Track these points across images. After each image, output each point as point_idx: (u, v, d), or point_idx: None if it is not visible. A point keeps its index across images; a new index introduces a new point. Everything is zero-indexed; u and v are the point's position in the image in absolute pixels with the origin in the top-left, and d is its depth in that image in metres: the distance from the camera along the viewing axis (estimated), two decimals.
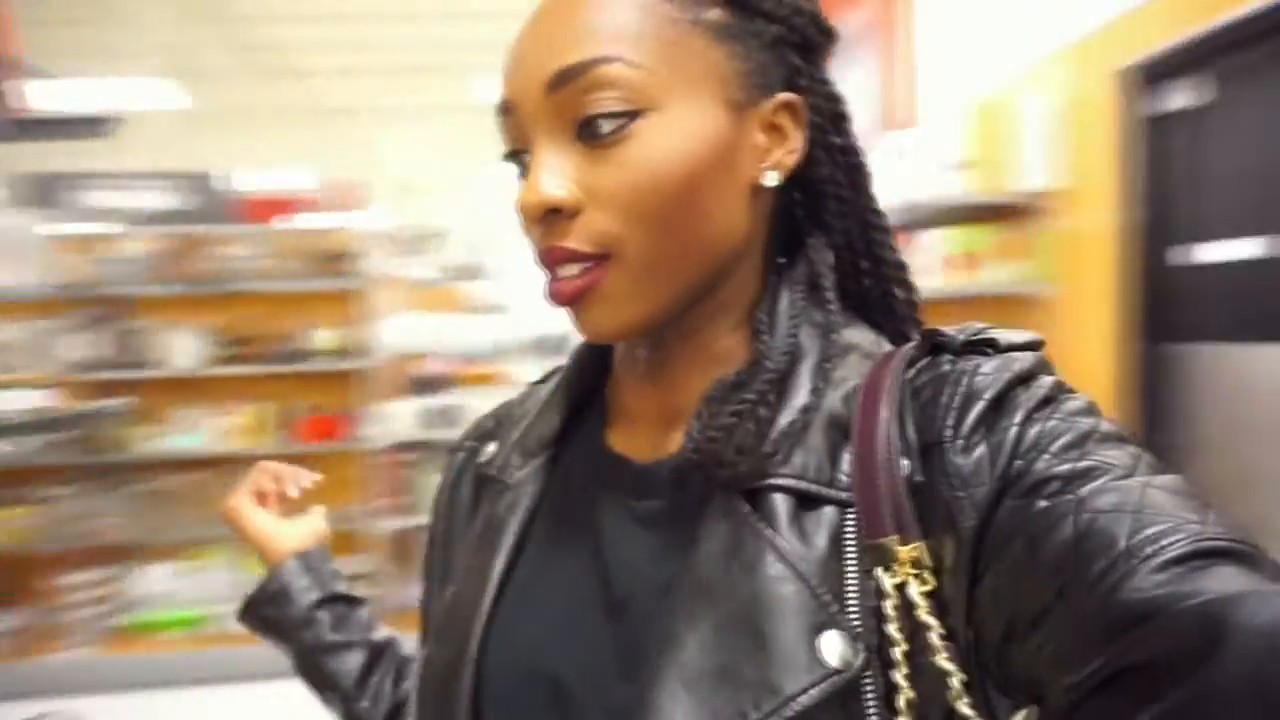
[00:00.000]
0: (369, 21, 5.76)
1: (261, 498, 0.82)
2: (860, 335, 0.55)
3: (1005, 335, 0.50)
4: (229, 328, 3.90)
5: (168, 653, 3.55)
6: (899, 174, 3.20)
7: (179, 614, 3.67)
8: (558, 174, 0.49)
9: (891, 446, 0.47)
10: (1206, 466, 2.36)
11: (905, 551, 0.45)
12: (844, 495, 0.47)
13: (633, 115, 0.48)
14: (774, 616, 0.45)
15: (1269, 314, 2.16)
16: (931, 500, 0.45)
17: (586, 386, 0.62)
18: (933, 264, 3.08)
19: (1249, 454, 2.22)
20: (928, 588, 0.44)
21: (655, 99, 0.48)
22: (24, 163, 4.20)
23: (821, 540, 0.47)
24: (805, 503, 0.48)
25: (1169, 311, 2.49)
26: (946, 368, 0.49)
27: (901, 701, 0.43)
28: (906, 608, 0.44)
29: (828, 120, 0.55)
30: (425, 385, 4.22)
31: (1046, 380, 0.48)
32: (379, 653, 0.77)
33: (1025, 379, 0.47)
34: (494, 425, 0.67)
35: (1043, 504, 0.42)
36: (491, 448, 0.63)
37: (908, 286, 0.60)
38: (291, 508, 0.84)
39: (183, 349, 3.79)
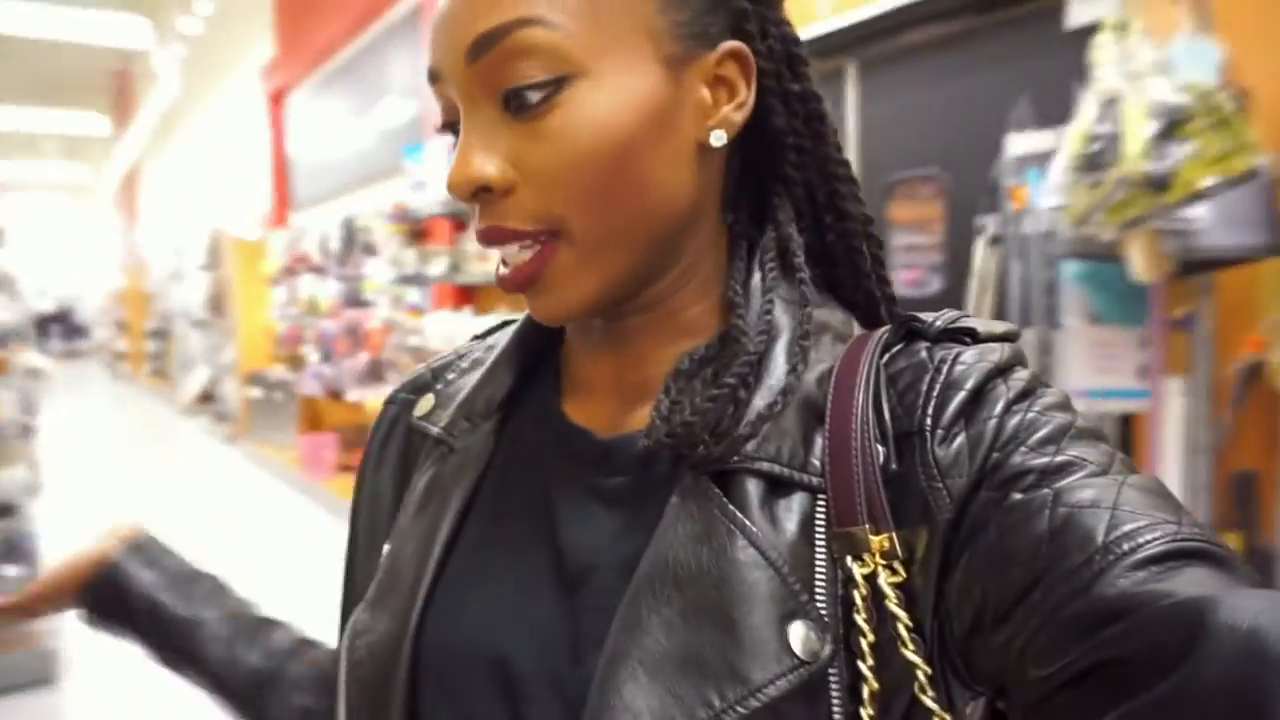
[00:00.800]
0: None
1: None
2: (831, 315, 0.53)
3: (983, 325, 0.49)
4: None
5: None
6: None
7: None
8: (486, 150, 0.46)
9: (867, 433, 0.45)
10: None
11: (876, 541, 0.43)
12: (816, 481, 0.46)
13: (559, 83, 0.44)
14: (743, 603, 0.43)
15: None
16: (906, 490, 0.44)
17: (539, 348, 0.59)
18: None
19: None
20: (897, 579, 0.43)
21: (581, 63, 0.44)
22: None
23: (791, 526, 0.45)
24: (776, 487, 0.46)
25: None
26: (923, 355, 0.48)
27: (866, 693, 0.42)
28: (875, 598, 0.43)
29: (783, 65, 0.51)
30: None
31: (1024, 373, 0.47)
32: (232, 622, 0.74)
33: (1004, 370, 0.46)
34: (430, 378, 0.63)
35: (1017, 496, 0.41)
36: (429, 400, 0.60)
37: (874, 241, 0.56)
38: None
39: None
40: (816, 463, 0.46)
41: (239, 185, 9.27)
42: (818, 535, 0.45)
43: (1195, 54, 1.45)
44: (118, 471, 7.48)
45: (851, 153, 2.67)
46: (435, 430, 0.58)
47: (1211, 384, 1.82)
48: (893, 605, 0.42)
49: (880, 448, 0.45)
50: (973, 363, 0.46)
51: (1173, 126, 1.34)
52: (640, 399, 0.52)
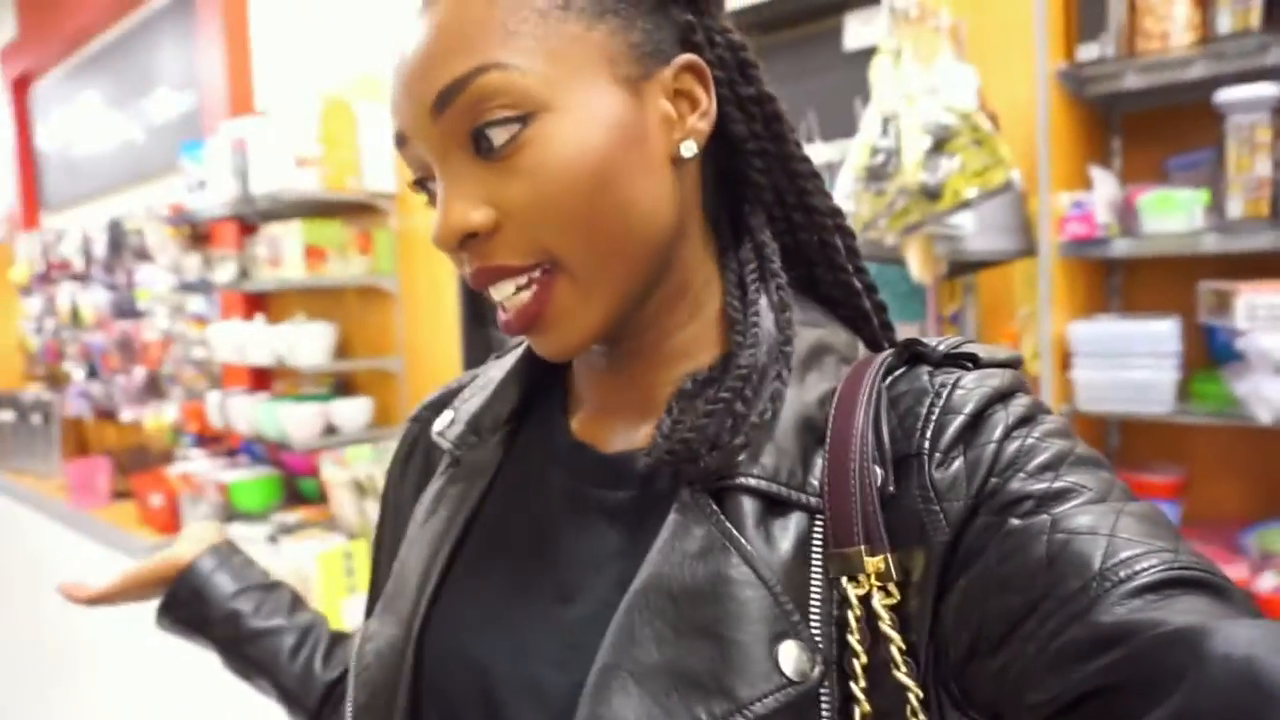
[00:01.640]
0: None
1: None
2: (835, 335, 0.53)
3: (985, 350, 0.49)
4: None
5: None
6: (248, 163, 3.50)
7: None
8: (466, 197, 0.47)
9: (866, 455, 0.45)
10: None
11: (872, 563, 0.43)
12: (813, 501, 0.46)
13: (524, 120, 0.45)
14: (735, 621, 0.43)
15: None
16: (903, 512, 0.45)
17: (547, 365, 0.60)
18: (291, 256, 3.50)
19: None
20: (892, 601, 0.43)
21: (543, 98, 0.45)
22: None
23: (787, 545, 0.45)
24: (773, 506, 0.46)
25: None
26: (925, 379, 0.48)
27: (857, 714, 0.42)
28: (869, 620, 0.43)
29: (735, 71, 0.53)
30: None
31: (1024, 399, 0.47)
32: (305, 632, 0.76)
33: (1004, 396, 0.46)
34: (449, 396, 0.65)
35: (1016, 522, 0.41)
36: (447, 416, 0.62)
37: (845, 233, 0.57)
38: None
39: None
40: (815, 483, 0.47)
41: None
42: (814, 555, 0.45)
43: (956, 79, 1.62)
44: None
45: None
46: (446, 445, 0.59)
47: None
48: (886, 627, 0.43)
49: (878, 469, 0.45)
50: (973, 388, 0.46)
51: (941, 143, 1.49)
52: (643, 418, 0.53)
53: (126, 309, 5.50)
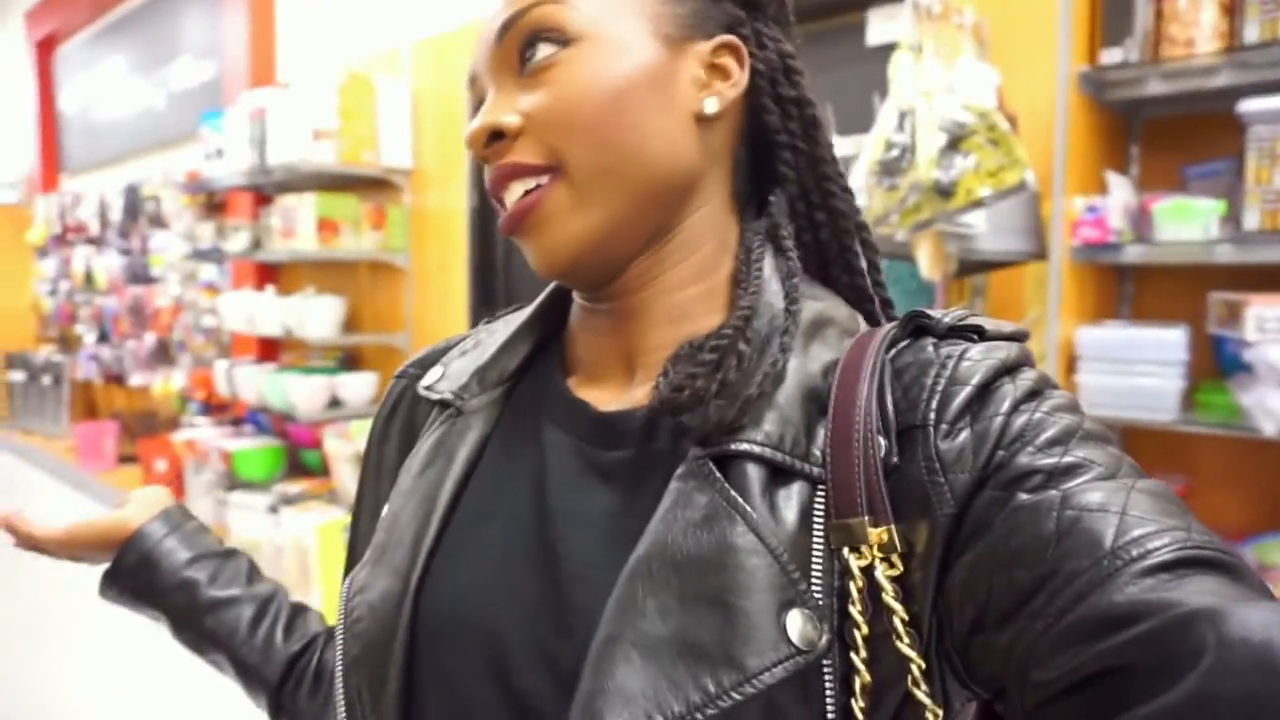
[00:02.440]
0: None
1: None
2: (836, 309, 0.53)
3: (991, 323, 0.49)
4: None
5: None
6: (266, 133, 3.50)
7: None
8: (502, 105, 0.51)
9: (870, 425, 0.45)
10: None
11: (875, 534, 0.43)
12: (817, 471, 0.46)
13: (564, 44, 0.50)
14: (741, 590, 0.42)
15: None
16: (907, 483, 0.44)
17: (554, 327, 0.61)
18: (305, 228, 3.50)
19: None
20: (895, 572, 0.43)
21: (585, 31, 0.50)
22: None
23: (791, 515, 0.45)
24: (777, 475, 0.46)
25: (504, 283, 3.33)
26: (930, 350, 0.47)
27: (858, 685, 0.42)
28: (872, 591, 0.43)
29: (779, 73, 0.55)
30: None
31: (1032, 373, 0.46)
32: (265, 602, 0.72)
33: (1012, 369, 0.46)
34: (439, 354, 0.65)
35: (1024, 497, 0.41)
36: (436, 372, 0.62)
37: (869, 246, 0.58)
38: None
39: None
40: (818, 453, 0.46)
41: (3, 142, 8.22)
42: (816, 526, 0.44)
43: (976, 77, 1.61)
44: None
45: None
46: (445, 394, 0.59)
47: None
48: (889, 598, 0.42)
49: (882, 440, 0.45)
50: (979, 359, 0.46)
51: (957, 140, 1.48)
52: (640, 380, 0.54)
53: (140, 274, 5.54)
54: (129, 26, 6.03)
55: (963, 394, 0.45)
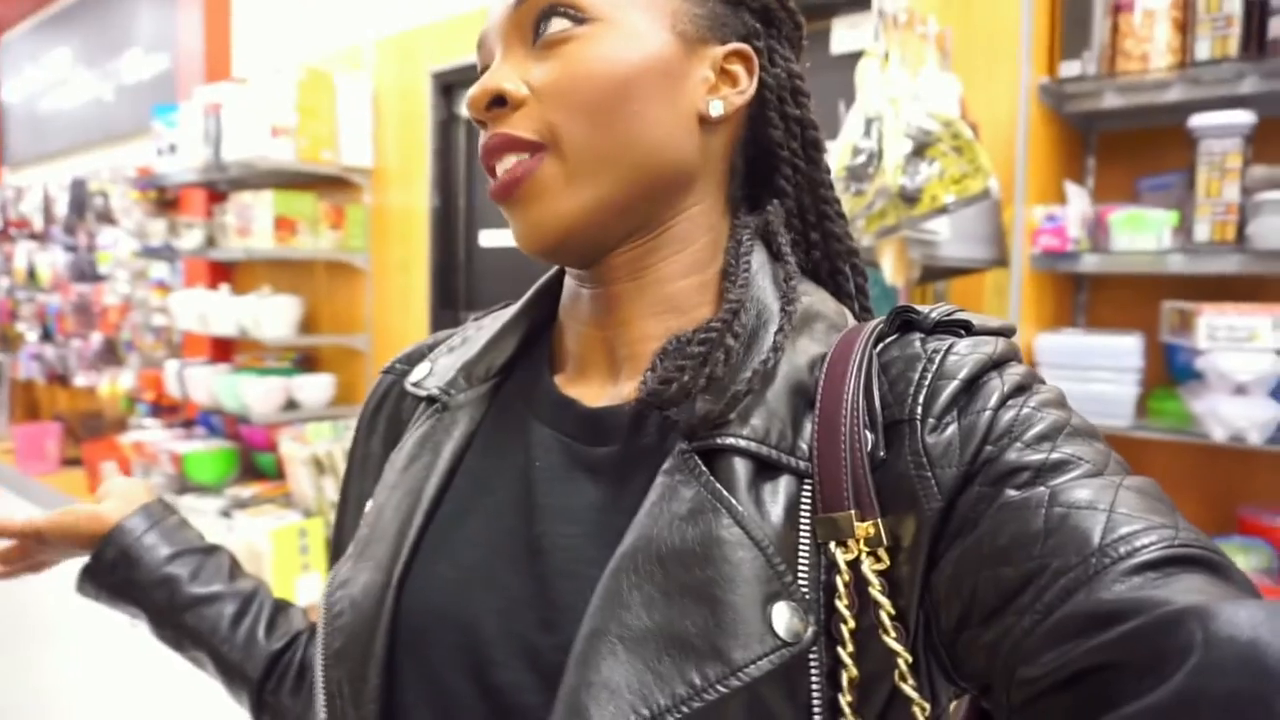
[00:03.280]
0: None
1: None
2: (824, 304, 0.53)
3: (978, 318, 0.49)
4: None
5: None
6: (221, 129, 3.47)
7: None
8: (509, 71, 0.51)
9: (856, 420, 0.45)
10: None
11: (861, 528, 0.43)
12: (803, 465, 0.45)
13: (579, 21, 0.50)
14: (727, 583, 0.42)
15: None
16: (893, 477, 0.44)
17: (540, 323, 0.61)
18: (261, 226, 3.47)
19: None
20: (881, 566, 0.43)
21: (603, 11, 0.50)
22: None
23: (778, 509, 0.45)
24: (764, 469, 0.46)
25: (465, 284, 3.31)
26: (917, 345, 0.47)
27: (845, 679, 0.42)
28: (858, 585, 0.42)
29: (786, 92, 0.56)
30: None
31: (1019, 368, 0.46)
32: (247, 599, 0.71)
33: (999, 363, 0.46)
34: (426, 350, 0.65)
35: (1012, 494, 0.40)
36: (424, 368, 0.61)
37: (858, 270, 0.58)
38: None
39: None
40: (805, 447, 0.46)
41: None
42: (803, 520, 0.44)
43: (939, 86, 1.64)
44: None
45: None
46: (432, 389, 0.59)
47: None
48: (875, 592, 0.42)
49: (869, 434, 0.45)
50: (966, 354, 0.46)
51: (922, 148, 1.51)
52: (626, 375, 0.53)
53: (86, 272, 5.38)
54: (76, 16, 5.86)
55: (949, 388, 0.45)
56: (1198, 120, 1.59)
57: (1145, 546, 0.36)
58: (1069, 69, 1.71)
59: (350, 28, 3.63)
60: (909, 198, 1.49)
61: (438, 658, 0.49)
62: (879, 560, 0.43)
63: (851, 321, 0.54)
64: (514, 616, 0.48)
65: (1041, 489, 0.40)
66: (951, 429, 0.44)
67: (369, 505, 0.57)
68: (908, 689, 0.41)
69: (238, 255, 3.68)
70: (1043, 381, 0.47)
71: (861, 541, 0.43)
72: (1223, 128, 1.57)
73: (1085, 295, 2.00)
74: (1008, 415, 0.43)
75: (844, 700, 0.42)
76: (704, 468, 0.46)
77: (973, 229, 1.70)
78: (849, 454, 0.44)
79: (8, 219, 6.18)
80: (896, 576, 0.43)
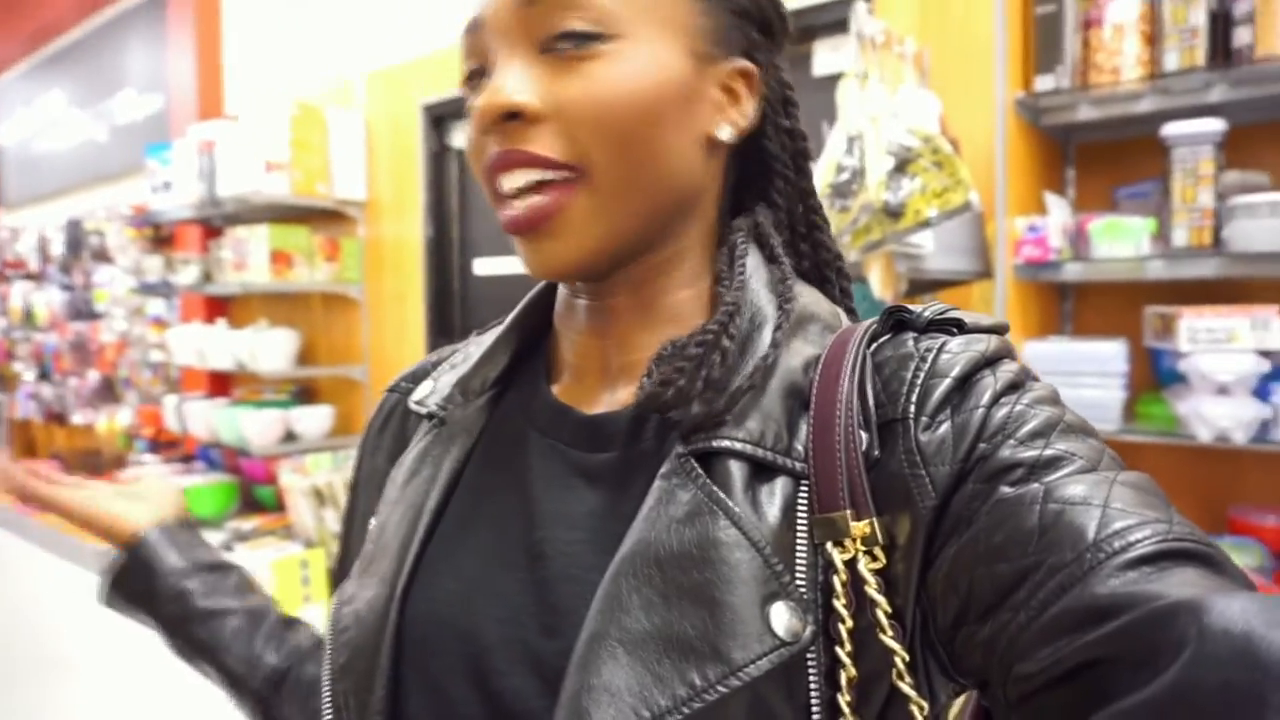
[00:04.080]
0: None
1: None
2: (819, 305, 0.53)
3: (970, 316, 0.49)
4: None
5: None
6: (215, 166, 3.55)
7: None
8: (522, 81, 0.48)
9: (851, 420, 0.45)
10: None
11: (857, 527, 0.43)
12: (799, 466, 0.46)
13: (602, 38, 0.48)
14: (725, 584, 0.43)
15: None
16: (888, 476, 0.44)
17: (533, 334, 0.61)
18: (257, 260, 3.53)
19: None
20: (878, 565, 0.43)
21: (625, 27, 0.48)
22: None
23: (774, 510, 0.45)
24: (760, 471, 0.46)
25: (460, 313, 3.33)
26: (910, 344, 0.48)
27: (843, 678, 0.42)
28: (855, 584, 0.43)
29: (779, 103, 0.57)
30: None
31: (1012, 365, 0.46)
32: (256, 617, 0.74)
33: (992, 361, 0.46)
34: (429, 369, 0.65)
35: (1006, 490, 0.41)
36: (427, 386, 0.62)
37: (844, 276, 0.59)
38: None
39: None
40: (800, 448, 0.46)
41: None
42: (799, 520, 0.45)
43: (919, 103, 1.68)
44: None
45: None
46: (431, 406, 0.59)
47: None
48: (872, 591, 0.42)
49: (863, 434, 0.45)
50: (959, 352, 0.46)
51: (903, 164, 1.54)
52: (623, 383, 0.54)
53: (83, 310, 5.40)
54: (68, 59, 5.93)
55: (942, 386, 0.45)
56: (1170, 129, 1.63)
57: (1139, 541, 0.37)
58: (1043, 83, 1.76)
59: (340, 62, 3.69)
60: (892, 213, 1.53)
61: (441, 667, 0.50)
62: (875, 559, 0.43)
63: (845, 321, 0.54)
64: (515, 623, 0.49)
65: (1036, 485, 0.40)
66: (945, 427, 0.44)
67: (372, 522, 0.58)
68: (905, 687, 0.42)
69: (234, 290, 3.71)
70: (1036, 378, 0.47)
71: (858, 541, 0.43)
72: (1194, 136, 1.61)
73: (1070, 304, 2.03)
74: (1001, 412, 0.44)
75: (843, 700, 0.42)
76: (700, 471, 0.46)
77: (956, 241, 1.73)
78: (844, 454, 0.44)
79: (4, 260, 6.21)
80: (893, 575, 0.43)
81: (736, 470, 0.46)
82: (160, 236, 4.61)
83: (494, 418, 0.59)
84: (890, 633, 0.42)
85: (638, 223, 0.50)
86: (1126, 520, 0.38)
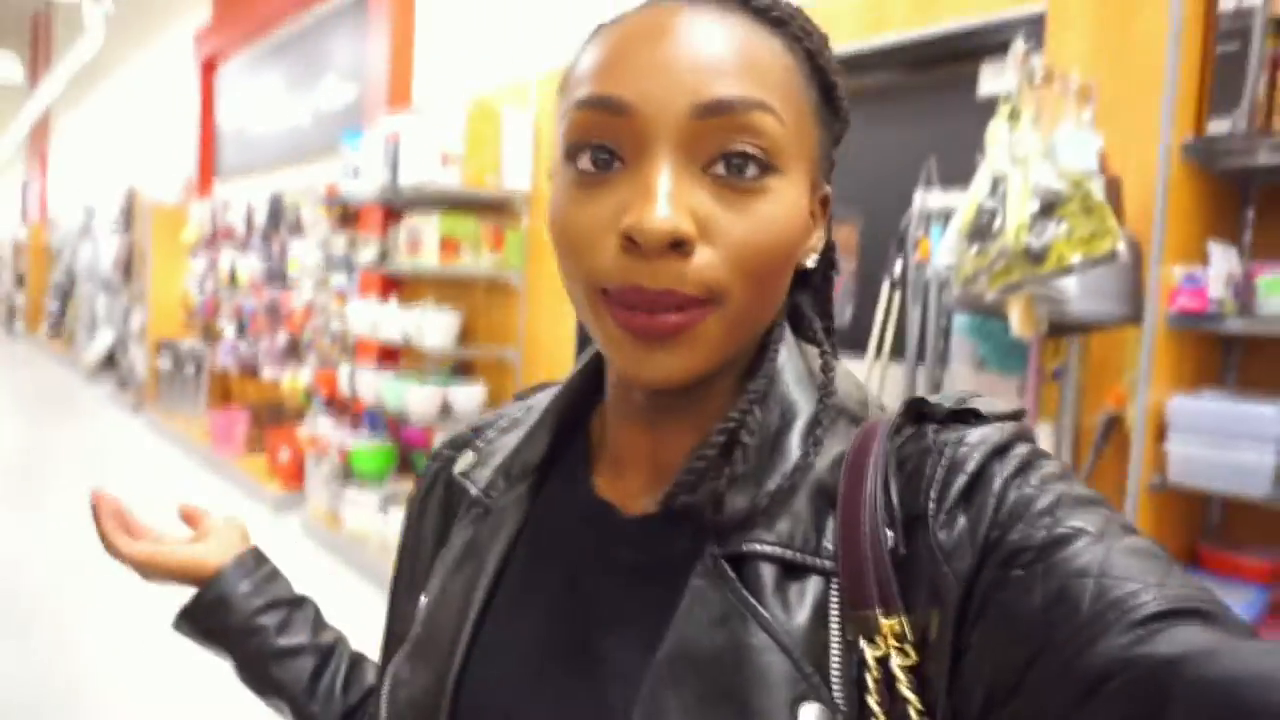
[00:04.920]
0: None
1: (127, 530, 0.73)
2: (849, 396, 0.55)
3: (988, 405, 0.49)
4: None
5: None
6: (399, 155, 3.72)
7: None
8: (682, 202, 0.45)
9: (877, 518, 0.46)
10: None
11: (888, 624, 0.44)
12: (828, 565, 0.47)
13: (768, 170, 0.46)
14: (757, 687, 0.44)
15: None
16: (915, 574, 0.45)
17: (576, 415, 0.61)
18: (429, 245, 3.70)
19: None
20: (909, 662, 0.44)
21: (786, 161, 0.47)
22: None
23: (805, 610, 0.46)
24: (790, 571, 0.47)
25: None
26: (930, 438, 0.48)
27: None
28: (888, 680, 0.44)
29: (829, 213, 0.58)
30: None
31: (1023, 448, 0.47)
32: (327, 654, 0.75)
33: (1003, 449, 0.47)
34: (472, 435, 0.66)
35: (1016, 573, 0.41)
36: (469, 457, 0.63)
37: (829, 317, 0.61)
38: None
39: None
40: (829, 546, 0.47)
41: (160, 149, 8.97)
42: (832, 619, 0.46)
43: (1077, 143, 1.64)
44: (12, 437, 7.17)
45: None
46: (474, 490, 0.60)
47: (1076, 430, 2.03)
48: (904, 688, 0.43)
49: (889, 532, 0.46)
50: (975, 444, 0.47)
51: (1050, 207, 1.52)
52: (663, 479, 0.53)
53: (277, 277, 5.96)
54: (283, 49, 6.52)
55: (959, 482, 0.46)
56: None
57: (1135, 606, 0.37)
58: (1218, 126, 1.67)
59: (517, 65, 3.89)
60: (1035, 256, 1.51)
61: None
62: (907, 656, 0.44)
63: (871, 411, 0.55)
64: (564, 717, 0.51)
65: (1040, 566, 0.41)
66: (961, 521, 0.45)
67: (422, 601, 0.60)
68: None
69: (406, 271, 4.01)
70: (1047, 456, 0.48)
71: (889, 638, 0.44)
72: None
73: (1235, 356, 1.91)
74: (1011, 496, 0.44)
75: None
76: (732, 574, 0.48)
77: (1104, 286, 1.68)
78: (871, 552, 0.45)
79: (216, 227, 6.92)
80: (925, 671, 0.44)
81: (767, 572, 0.47)
82: (347, 216, 5.02)
83: (537, 506, 0.59)
84: None
85: (747, 341, 0.51)
86: (1122, 588, 0.38)
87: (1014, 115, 1.57)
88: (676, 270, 0.45)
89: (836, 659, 0.45)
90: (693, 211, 0.45)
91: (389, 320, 4.07)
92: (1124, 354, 1.95)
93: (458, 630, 0.55)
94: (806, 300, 0.59)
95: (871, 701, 0.43)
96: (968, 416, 0.49)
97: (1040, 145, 1.56)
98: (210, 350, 7.03)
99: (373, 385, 4.14)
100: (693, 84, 0.45)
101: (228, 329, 6.74)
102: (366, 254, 4.37)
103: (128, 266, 8.80)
